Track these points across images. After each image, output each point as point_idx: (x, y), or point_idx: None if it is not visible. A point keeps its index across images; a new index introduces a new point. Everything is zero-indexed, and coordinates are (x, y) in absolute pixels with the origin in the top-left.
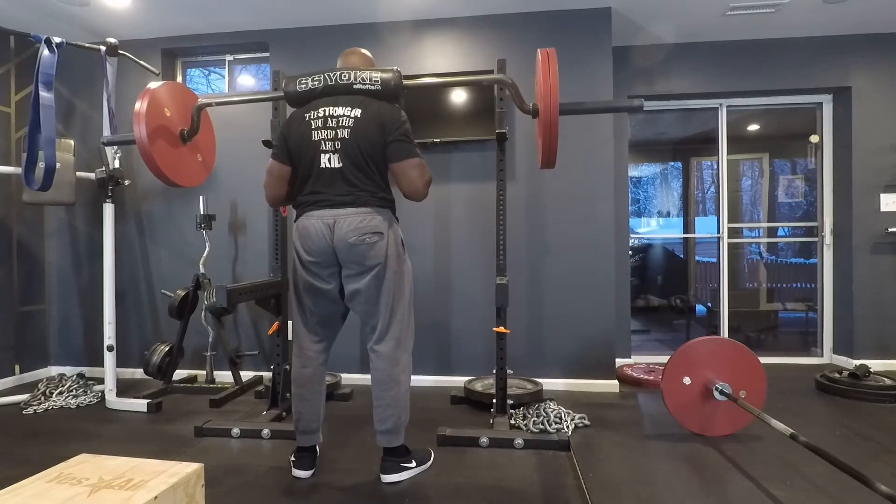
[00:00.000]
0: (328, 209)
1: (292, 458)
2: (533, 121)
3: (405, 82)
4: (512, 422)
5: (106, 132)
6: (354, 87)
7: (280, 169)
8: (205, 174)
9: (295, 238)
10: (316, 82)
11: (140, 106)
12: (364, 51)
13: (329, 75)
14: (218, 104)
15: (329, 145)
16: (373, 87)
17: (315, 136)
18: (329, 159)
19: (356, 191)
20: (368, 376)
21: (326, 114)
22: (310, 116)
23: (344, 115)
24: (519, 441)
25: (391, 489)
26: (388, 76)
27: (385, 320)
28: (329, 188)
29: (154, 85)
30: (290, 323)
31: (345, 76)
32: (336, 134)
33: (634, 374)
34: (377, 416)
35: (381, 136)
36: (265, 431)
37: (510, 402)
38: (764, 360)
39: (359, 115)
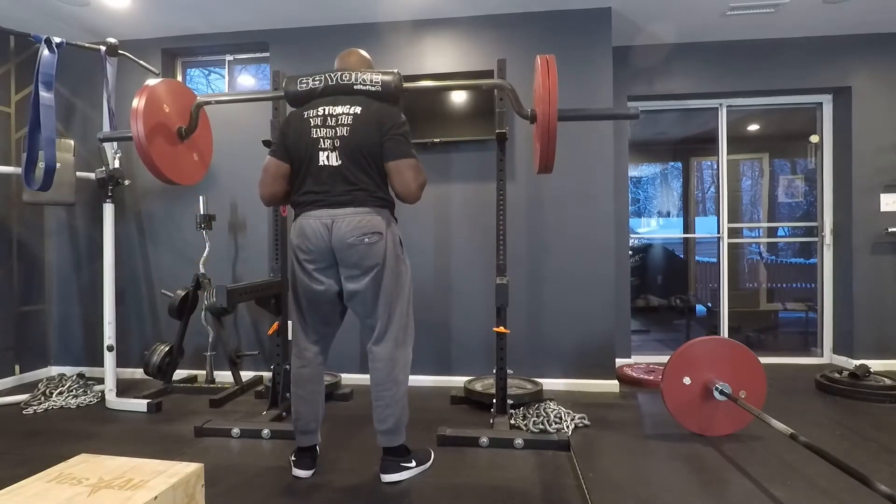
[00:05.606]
0: (326, 209)
1: (292, 458)
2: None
3: (405, 84)
4: (512, 422)
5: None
6: (355, 87)
7: (277, 167)
8: (202, 173)
9: (292, 237)
10: (317, 82)
11: (138, 103)
12: (362, 52)
13: (330, 76)
14: (217, 102)
15: (328, 143)
16: (373, 89)
17: (314, 133)
18: (327, 157)
19: (354, 190)
20: (368, 376)
21: (326, 112)
22: (309, 115)
23: (343, 114)
24: (519, 441)
25: (391, 489)
26: (388, 78)
27: (383, 321)
28: (327, 187)
29: (152, 82)
30: (289, 323)
31: (345, 77)
32: (335, 132)
33: (634, 374)
34: (377, 416)
35: (379, 133)
36: (265, 431)
37: (510, 402)
38: (764, 360)
39: (358, 113)
